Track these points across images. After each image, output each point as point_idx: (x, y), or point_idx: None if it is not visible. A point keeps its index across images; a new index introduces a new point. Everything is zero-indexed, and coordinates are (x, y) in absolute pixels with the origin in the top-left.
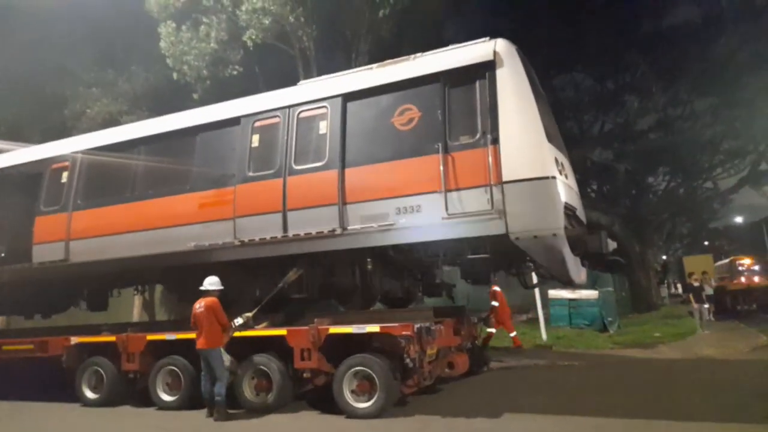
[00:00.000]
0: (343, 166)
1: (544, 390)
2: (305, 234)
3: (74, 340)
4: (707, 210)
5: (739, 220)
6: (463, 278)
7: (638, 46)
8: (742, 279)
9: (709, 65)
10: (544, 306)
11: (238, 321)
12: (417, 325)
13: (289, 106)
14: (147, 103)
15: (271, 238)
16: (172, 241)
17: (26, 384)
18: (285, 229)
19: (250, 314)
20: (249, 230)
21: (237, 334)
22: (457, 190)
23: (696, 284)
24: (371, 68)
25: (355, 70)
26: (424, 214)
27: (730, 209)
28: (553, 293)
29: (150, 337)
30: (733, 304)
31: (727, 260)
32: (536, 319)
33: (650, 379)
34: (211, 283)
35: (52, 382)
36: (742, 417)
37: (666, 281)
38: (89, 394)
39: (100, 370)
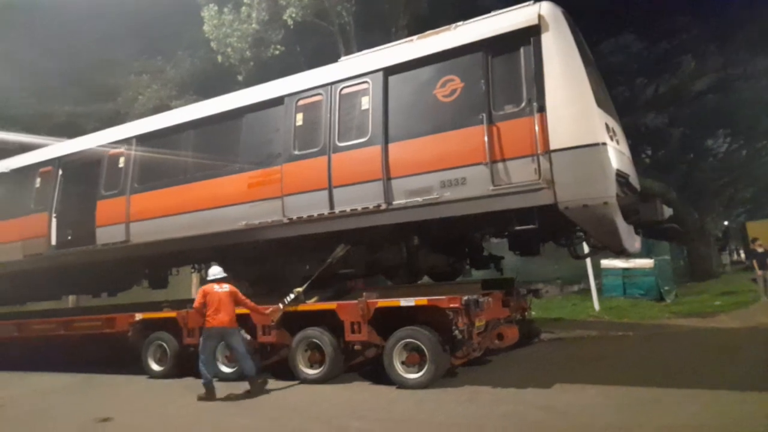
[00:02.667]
0: (386, 141)
1: (596, 361)
2: (351, 210)
3: (138, 316)
4: None
5: None
6: (511, 250)
7: (692, 5)
8: None
9: None
10: (597, 276)
11: (290, 296)
12: (465, 298)
13: (331, 83)
14: (194, 87)
15: (318, 215)
16: (223, 221)
17: (92, 359)
18: (331, 206)
19: (300, 289)
20: (296, 208)
21: (289, 308)
22: (503, 160)
23: (760, 250)
24: (411, 40)
25: (395, 43)
26: (469, 187)
27: None
28: (606, 263)
29: None
30: None
31: None
32: (588, 290)
33: (709, 349)
34: (217, 272)
35: (115, 358)
36: None
37: (727, 248)
38: (155, 367)
39: (163, 344)
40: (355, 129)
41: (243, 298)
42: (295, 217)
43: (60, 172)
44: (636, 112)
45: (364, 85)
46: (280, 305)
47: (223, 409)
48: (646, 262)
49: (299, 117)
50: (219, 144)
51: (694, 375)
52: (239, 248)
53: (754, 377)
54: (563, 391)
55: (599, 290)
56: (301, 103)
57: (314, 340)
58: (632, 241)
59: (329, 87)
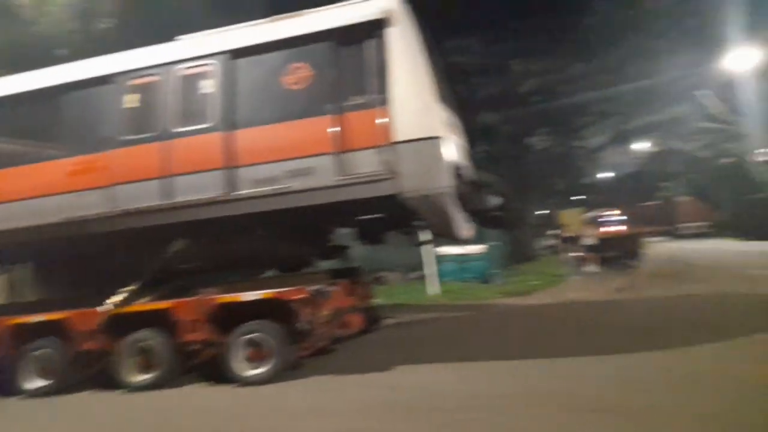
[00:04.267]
0: (230, 128)
1: (435, 341)
2: (191, 201)
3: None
4: (579, 167)
5: (605, 175)
6: (357, 239)
7: (521, 13)
8: (608, 228)
9: (583, 33)
10: (435, 262)
11: (118, 297)
12: (311, 289)
13: (170, 63)
14: (5, 60)
15: (153, 206)
16: (41, 213)
17: None
18: (168, 196)
19: (130, 289)
20: (128, 199)
21: (117, 311)
22: (350, 151)
23: (568, 235)
24: (260, 23)
25: (242, 25)
26: (316, 177)
27: (599, 166)
28: (443, 250)
29: (14, 321)
30: (598, 251)
31: (595, 212)
32: (427, 276)
33: (528, 323)
34: None
35: None
36: (603, 350)
37: (544, 234)
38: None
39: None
40: (196, 114)
41: None
42: (126, 209)
43: None
44: (472, 109)
45: (208, 68)
46: (105, 308)
47: (40, 422)
48: (478, 248)
49: (132, 99)
50: (36, 125)
51: (520, 347)
52: (60, 243)
53: (567, 345)
54: (407, 371)
55: (437, 275)
56: (134, 83)
57: (146, 343)
58: (465, 228)
59: (167, 67)
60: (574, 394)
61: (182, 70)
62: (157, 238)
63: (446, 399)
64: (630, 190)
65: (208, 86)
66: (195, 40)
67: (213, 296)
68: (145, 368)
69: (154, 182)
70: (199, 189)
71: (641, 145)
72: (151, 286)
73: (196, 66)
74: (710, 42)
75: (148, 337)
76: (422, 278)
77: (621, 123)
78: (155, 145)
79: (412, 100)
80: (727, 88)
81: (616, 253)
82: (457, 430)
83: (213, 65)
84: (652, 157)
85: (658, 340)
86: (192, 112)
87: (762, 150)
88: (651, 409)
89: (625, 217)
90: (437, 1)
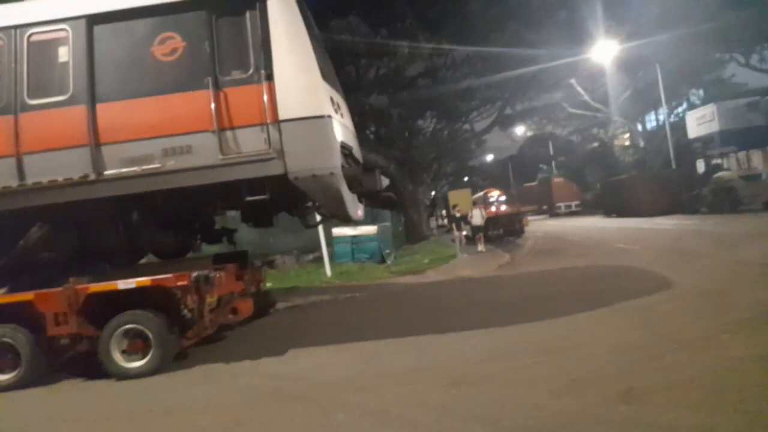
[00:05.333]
0: (93, 101)
1: (328, 324)
2: (49, 182)
3: None
4: (466, 150)
5: (490, 158)
6: (244, 222)
7: None
8: (492, 208)
9: (465, 19)
10: (329, 244)
11: None
12: (194, 275)
13: (16, 27)
14: None
15: (3, 188)
16: None
17: None
18: (21, 176)
19: None
20: None
21: None
22: (232, 129)
23: (458, 215)
24: None
25: None
26: (196, 156)
27: (484, 149)
28: (337, 231)
29: None
30: (485, 230)
31: (481, 193)
32: (322, 258)
33: (421, 301)
34: None
35: None
36: (483, 324)
37: (434, 214)
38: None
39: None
40: (51, 84)
41: None
42: None
43: None
44: (361, 90)
45: (62, 33)
46: None
47: None
48: (371, 229)
49: None
50: None
51: (404, 326)
52: None
53: (448, 321)
54: (297, 357)
55: (331, 257)
56: None
57: (4, 340)
58: (356, 209)
59: (13, 31)
60: (449, 369)
61: (31, 34)
62: (14, 223)
63: (327, 384)
64: (512, 172)
65: (62, 54)
66: (44, 2)
67: (82, 286)
68: (6, 368)
69: (3, 161)
70: (57, 169)
71: (521, 130)
72: (11, 277)
73: (47, 31)
74: (579, 34)
75: (6, 333)
76: (317, 260)
77: (502, 108)
78: (2, 118)
79: (298, 76)
80: (594, 77)
81: (501, 232)
82: (328, 414)
83: (67, 31)
84: (530, 140)
85: (536, 311)
86: (45, 82)
87: (624, 135)
88: (525, 377)
89: (507, 198)
90: None
